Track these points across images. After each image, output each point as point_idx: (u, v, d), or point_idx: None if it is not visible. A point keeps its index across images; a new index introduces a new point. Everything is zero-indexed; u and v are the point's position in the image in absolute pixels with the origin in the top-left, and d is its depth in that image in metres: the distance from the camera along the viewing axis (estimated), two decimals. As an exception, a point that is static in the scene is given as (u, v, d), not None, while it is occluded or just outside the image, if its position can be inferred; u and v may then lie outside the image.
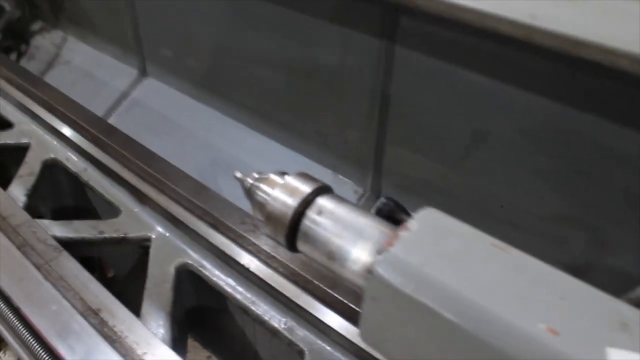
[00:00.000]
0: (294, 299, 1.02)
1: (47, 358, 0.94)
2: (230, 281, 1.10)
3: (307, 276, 1.03)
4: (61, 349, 0.93)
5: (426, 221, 0.63)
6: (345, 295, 0.99)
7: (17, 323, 0.99)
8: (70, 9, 2.09)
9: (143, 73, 1.95)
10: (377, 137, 1.39)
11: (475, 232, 0.62)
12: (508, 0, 0.83)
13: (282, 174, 0.71)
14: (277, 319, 1.04)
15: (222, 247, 1.11)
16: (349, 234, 0.64)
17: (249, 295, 1.08)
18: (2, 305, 1.02)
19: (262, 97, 1.62)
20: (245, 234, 1.10)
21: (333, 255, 0.65)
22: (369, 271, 0.59)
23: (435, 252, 0.59)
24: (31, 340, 0.97)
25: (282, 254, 1.06)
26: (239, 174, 0.75)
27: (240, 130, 1.67)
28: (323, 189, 0.69)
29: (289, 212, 0.67)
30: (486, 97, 1.22)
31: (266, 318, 1.05)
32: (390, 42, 1.26)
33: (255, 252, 1.08)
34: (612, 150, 1.09)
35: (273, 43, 1.49)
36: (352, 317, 0.97)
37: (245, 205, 1.21)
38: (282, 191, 0.69)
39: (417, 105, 1.32)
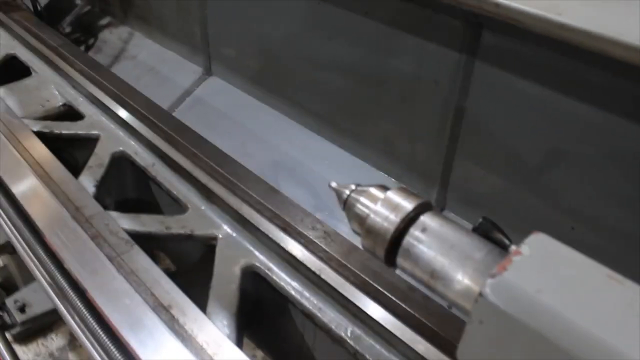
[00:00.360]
0: (363, 308, 1.00)
1: (116, 352, 0.95)
2: (297, 285, 1.10)
3: (379, 287, 1.01)
4: (133, 343, 0.94)
5: (538, 246, 0.61)
6: (418, 310, 0.97)
7: (88, 315, 1.00)
8: (139, 6, 2.13)
9: (208, 71, 1.97)
10: (447, 150, 1.37)
11: (589, 261, 0.60)
12: (621, 22, 0.80)
13: (383, 188, 0.70)
14: (343, 328, 1.03)
15: (291, 251, 1.10)
16: (454, 253, 0.63)
17: (315, 302, 1.07)
18: (73, 296, 1.04)
19: (328, 102, 1.61)
20: (315, 240, 1.10)
21: (437, 274, 0.63)
22: (480, 294, 0.57)
23: (548, 279, 0.57)
24: (101, 333, 0.98)
25: (354, 262, 1.06)
26: (334, 184, 0.75)
27: (304, 134, 1.67)
28: (426, 206, 0.68)
29: (391, 228, 0.66)
30: (567, 118, 1.19)
31: (332, 326, 1.04)
32: (470, 56, 1.25)
33: (326, 259, 1.07)
34: None
35: (346, 49, 1.49)
36: (423, 332, 0.96)
37: (307, 206, 1.22)
38: (384, 206, 0.68)
39: (491, 120, 1.30)
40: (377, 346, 1.00)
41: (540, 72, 1.17)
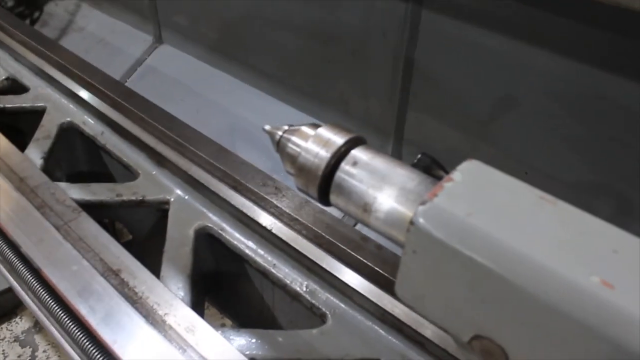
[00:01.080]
0: (317, 261, 0.99)
1: (66, 319, 0.93)
2: (251, 244, 1.08)
3: (332, 239, 1.00)
4: (82, 309, 0.92)
5: (470, 172, 0.60)
6: (371, 258, 0.97)
7: (36, 284, 0.97)
8: (84, -25, 2.06)
9: (158, 39, 1.92)
10: (399, 104, 1.36)
11: (521, 184, 0.60)
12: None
13: (314, 126, 0.69)
14: (298, 282, 1.02)
15: (243, 209, 1.08)
16: (386, 185, 0.62)
17: (269, 258, 1.06)
18: (20, 266, 1.01)
19: (281, 63, 1.58)
20: (267, 196, 1.08)
21: (369, 207, 0.62)
22: (411, 222, 0.56)
23: (480, 204, 0.57)
24: (50, 301, 0.95)
25: (305, 216, 1.04)
26: (267, 127, 0.73)
27: (259, 97, 1.64)
28: (357, 140, 0.66)
29: (322, 164, 0.64)
30: (513, 62, 1.18)
31: (287, 281, 1.03)
32: (417, 5, 1.23)
33: (278, 214, 1.06)
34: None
35: (293, 6, 1.45)
36: (377, 280, 0.95)
37: (265, 168, 1.20)
38: (315, 143, 0.66)
39: (441, 71, 1.29)
40: (333, 298, 1.00)
41: (486, 19, 1.16)
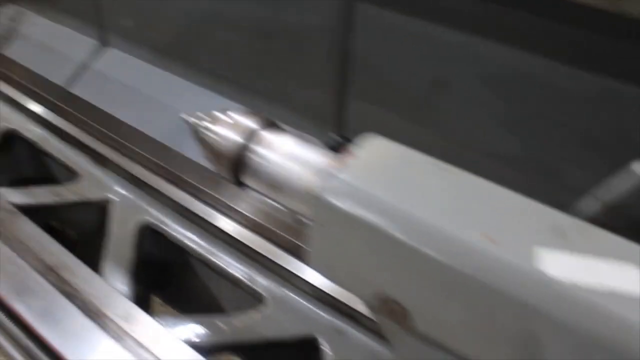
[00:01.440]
0: (256, 248, 1.02)
1: (3, 318, 0.93)
2: (192, 235, 1.10)
3: (271, 227, 1.03)
4: (19, 307, 0.92)
5: (371, 146, 0.63)
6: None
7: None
8: (25, -19, 2.04)
9: (104, 43, 1.91)
10: (339, 94, 1.39)
11: (420, 155, 0.63)
12: None
13: (226, 111, 0.71)
14: (238, 269, 1.04)
15: (183, 203, 1.10)
16: (294, 164, 0.65)
17: (210, 248, 1.08)
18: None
19: (225, 61, 1.60)
20: (206, 189, 1.10)
21: (279, 186, 0.65)
22: (316, 197, 0.59)
23: (380, 175, 0.59)
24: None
25: (245, 206, 1.07)
26: (183, 115, 0.75)
27: (206, 96, 1.64)
28: (267, 122, 0.69)
29: (232, 147, 0.67)
30: (445, 48, 1.22)
31: (228, 269, 1.05)
32: (349, -3, 1.25)
33: (217, 205, 1.07)
34: (570, 93, 1.10)
35: (237, 7, 1.47)
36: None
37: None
38: (226, 127, 0.68)
39: (379, 59, 1.32)
40: (273, 283, 1.02)
41: (419, 8, 1.19)
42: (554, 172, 1.22)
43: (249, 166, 0.66)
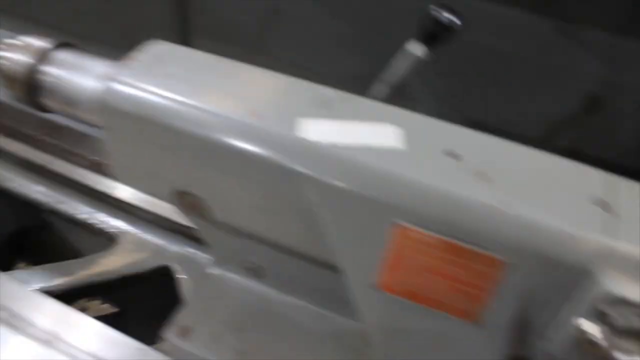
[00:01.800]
0: (100, 188, 1.02)
1: None
2: (41, 188, 1.08)
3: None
4: None
5: (152, 51, 0.65)
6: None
7: None
8: None
9: None
10: (180, 34, 1.40)
11: (199, 53, 0.65)
12: None
13: (22, 37, 0.70)
14: (87, 212, 1.04)
15: (23, 155, 1.07)
16: (84, 78, 0.65)
17: (59, 198, 1.07)
18: None
19: (66, 14, 1.55)
20: (44, 138, 1.07)
21: (72, 101, 0.65)
22: (101, 103, 0.60)
23: (157, 73, 0.62)
24: None
25: (84, 147, 1.06)
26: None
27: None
28: (60, 44, 0.69)
29: (24, 69, 0.66)
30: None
31: (78, 215, 1.04)
32: None
33: (57, 152, 1.06)
34: (411, 9, 1.16)
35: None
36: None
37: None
38: (18, 50, 0.68)
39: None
40: (123, 221, 1.03)
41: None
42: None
43: (43, 87, 0.66)
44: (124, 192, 1.01)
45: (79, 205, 1.06)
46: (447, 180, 0.51)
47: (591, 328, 0.47)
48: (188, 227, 0.96)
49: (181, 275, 0.97)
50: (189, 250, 0.98)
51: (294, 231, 0.60)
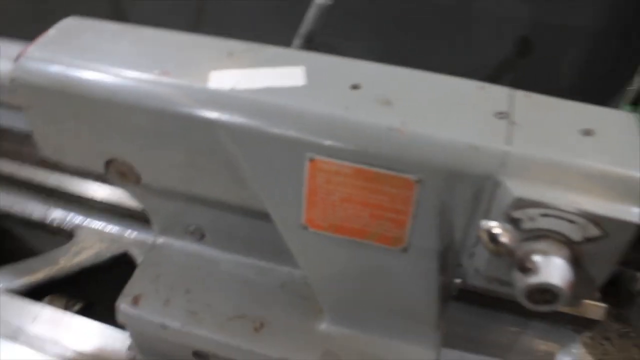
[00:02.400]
0: (50, 185, 1.02)
1: None
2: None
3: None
4: None
5: (66, 26, 0.65)
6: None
7: None
8: None
9: None
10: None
11: (115, 24, 0.66)
12: None
13: None
14: (40, 211, 1.04)
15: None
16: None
17: (12, 198, 1.07)
18: None
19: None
20: (-12, 141, 1.07)
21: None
22: (12, 80, 0.61)
23: (72, 45, 0.62)
24: None
25: (29, 146, 1.06)
26: None
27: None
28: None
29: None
30: None
31: (31, 215, 1.05)
32: None
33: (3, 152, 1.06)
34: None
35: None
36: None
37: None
38: None
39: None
40: (78, 214, 1.04)
41: None
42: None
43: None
44: (76, 186, 1.02)
45: (32, 205, 1.06)
46: (352, 109, 0.52)
47: (500, 231, 0.49)
48: (141, 212, 0.97)
49: (139, 259, 0.98)
50: (145, 235, 0.99)
51: (221, 183, 0.61)
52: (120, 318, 0.70)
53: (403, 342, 0.66)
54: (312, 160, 0.53)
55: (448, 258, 0.58)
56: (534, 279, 0.48)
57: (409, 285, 0.61)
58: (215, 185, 0.61)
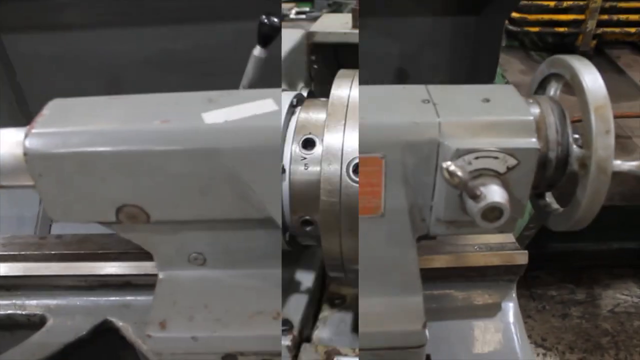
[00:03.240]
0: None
1: None
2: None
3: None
4: None
5: (55, 105, 0.76)
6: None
7: None
8: None
9: None
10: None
11: (98, 98, 0.78)
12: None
13: None
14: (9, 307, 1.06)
15: None
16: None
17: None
18: None
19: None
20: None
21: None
22: (25, 154, 0.70)
23: (71, 117, 0.73)
24: None
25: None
26: None
27: None
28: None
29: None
30: None
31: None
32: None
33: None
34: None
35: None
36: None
37: None
38: None
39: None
40: (47, 297, 1.06)
41: None
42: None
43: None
44: (38, 269, 1.05)
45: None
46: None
47: (455, 167, 0.66)
48: (113, 276, 1.04)
49: (121, 323, 1.03)
50: (122, 299, 1.04)
51: (227, 200, 0.73)
52: (151, 345, 0.77)
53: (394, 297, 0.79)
54: (301, 159, 0.69)
55: (415, 215, 0.74)
56: (483, 202, 0.66)
57: (387, 245, 0.76)
58: (221, 202, 0.73)
